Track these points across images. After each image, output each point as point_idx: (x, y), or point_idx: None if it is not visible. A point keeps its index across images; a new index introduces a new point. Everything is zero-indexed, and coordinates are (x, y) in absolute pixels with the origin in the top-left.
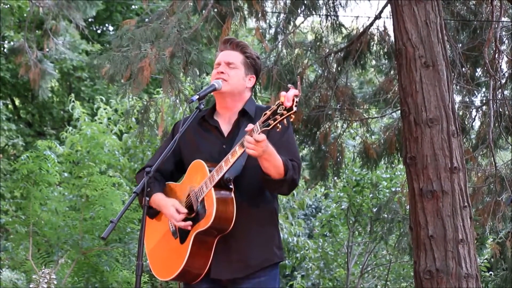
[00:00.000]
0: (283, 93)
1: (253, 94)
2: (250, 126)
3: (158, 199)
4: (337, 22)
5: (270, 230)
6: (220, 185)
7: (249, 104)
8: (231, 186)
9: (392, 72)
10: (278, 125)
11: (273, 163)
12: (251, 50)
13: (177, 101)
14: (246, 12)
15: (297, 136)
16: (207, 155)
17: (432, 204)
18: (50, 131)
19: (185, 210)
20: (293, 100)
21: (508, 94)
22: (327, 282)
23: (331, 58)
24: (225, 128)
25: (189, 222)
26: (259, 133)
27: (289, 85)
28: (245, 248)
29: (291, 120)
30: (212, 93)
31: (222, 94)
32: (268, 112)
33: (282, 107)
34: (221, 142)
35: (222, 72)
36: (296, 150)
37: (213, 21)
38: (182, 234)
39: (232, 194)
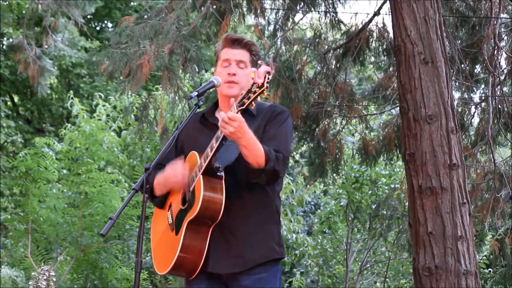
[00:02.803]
0: (252, 69)
1: None
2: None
3: (158, 176)
4: (336, 18)
5: (269, 226)
6: (209, 173)
7: None
8: (220, 174)
9: (391, 68)
10: (252, 103)
11: (253, 152)
12: (257, 47)
13: (176, 98)
14: (245, 9)
15: (296, 133)
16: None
17: (431, 201)
18: (49, 128)
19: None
20: (265, 77)
21: (507, 91)
22: (326, 279)
23: (330, 54)
24: None
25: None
26: (235, 113)
27: (260, 62)
28: (243, 243)
29: (263, 96)
30: (218, 93)
31: (231, 97)
32: (244, 92)
33: (256, 85)
34: None
35: (234, 74)
36: (288, 144)
37: (212, 18)
38: (177, 226)
39: (222, 182)
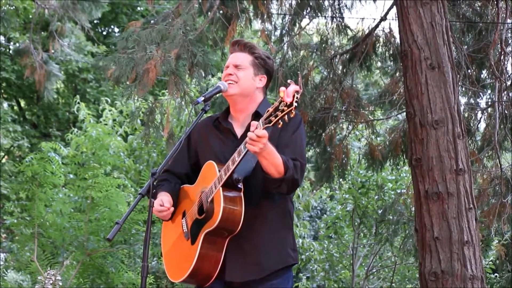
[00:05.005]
0: (282, 88)
1: (266, 95)
2: (254, 123)
3: (157, 198)
4: (343, 23)
5: (284, 232)
6: (229, 185)
7: (262, 106)
8: (240, 186)
9: (397, 73)
10: (279, 121)
11: (272, 161)
12: (260, 50)
13: (183, 102)
14: (251, 14)
15: None
16: (220, 157)
17: (438, 206)
18: (56, 133)
19: (168, 205)
20: (294, 96)
21: None
22: (332, 283)
23: (336, 59)
24: (239, 130)
25: (164, 208)
26: (262, 129)
27: (289, 81)
28: (259, 250)
29: (292, 116)
30: (224, 96)
31: (232, 97)
32: (271, 109)
33: (283, 103)
34: (234, 144)
35: (230, 74)
36: (303, 150)
37: (218, 23)
38: (193, 235)
39: (241, 194)
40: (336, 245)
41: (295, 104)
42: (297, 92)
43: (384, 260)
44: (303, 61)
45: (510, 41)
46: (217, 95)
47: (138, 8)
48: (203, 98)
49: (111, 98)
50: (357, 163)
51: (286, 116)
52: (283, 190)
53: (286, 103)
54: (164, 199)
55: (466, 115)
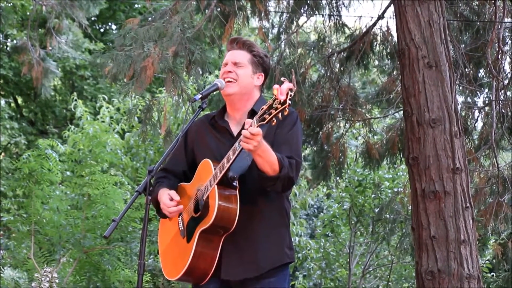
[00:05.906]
0: (276, 86)
1: (262, 92)
2: (248, 121)
3: (160, 193)
4: (340, 22)
5: (280, 230)
6: (224, 183)
7: (258, 104)
8: (235, 184)
9: (395, 72)
10: (273, 119)
11: (267, 159)
12: (259, 48)
13: (180, 100)
14: (249, 12)
15: None
16: (217, 155)
17: (434, 205)
18: (53, 130)
19: (178, 198)
20: (287, 94)
21: (510, 95)
22: (328, 282)
23: (334, 58)
24: (235, 128)
25: (181, 206)
26: (256, 127)
27: (283, 79)
28: (255, 248)
29: (285, 114)
30: (222, 95)
31: (231, 96)
32: (265, 107)
33: (277, 101)
34: (230, 142)
35: (229, 72)
36: (299, 148)
37: (216, 20)
38: (189, 233)
39: (236, 192)
40: (333, 244)
41: (288, 102)
42: (290, 90)
43: (381, 259)
44: (301, 59)
45: (507, 40)
46: (214, 92)
47: (136, 6)
48: (200, 96)
49: (109, 96)
50: (354, 162)
51: (280, 114)
52: (278, 188)
53: (280, 101)
54: (171, 193)
55: (463, 114)
